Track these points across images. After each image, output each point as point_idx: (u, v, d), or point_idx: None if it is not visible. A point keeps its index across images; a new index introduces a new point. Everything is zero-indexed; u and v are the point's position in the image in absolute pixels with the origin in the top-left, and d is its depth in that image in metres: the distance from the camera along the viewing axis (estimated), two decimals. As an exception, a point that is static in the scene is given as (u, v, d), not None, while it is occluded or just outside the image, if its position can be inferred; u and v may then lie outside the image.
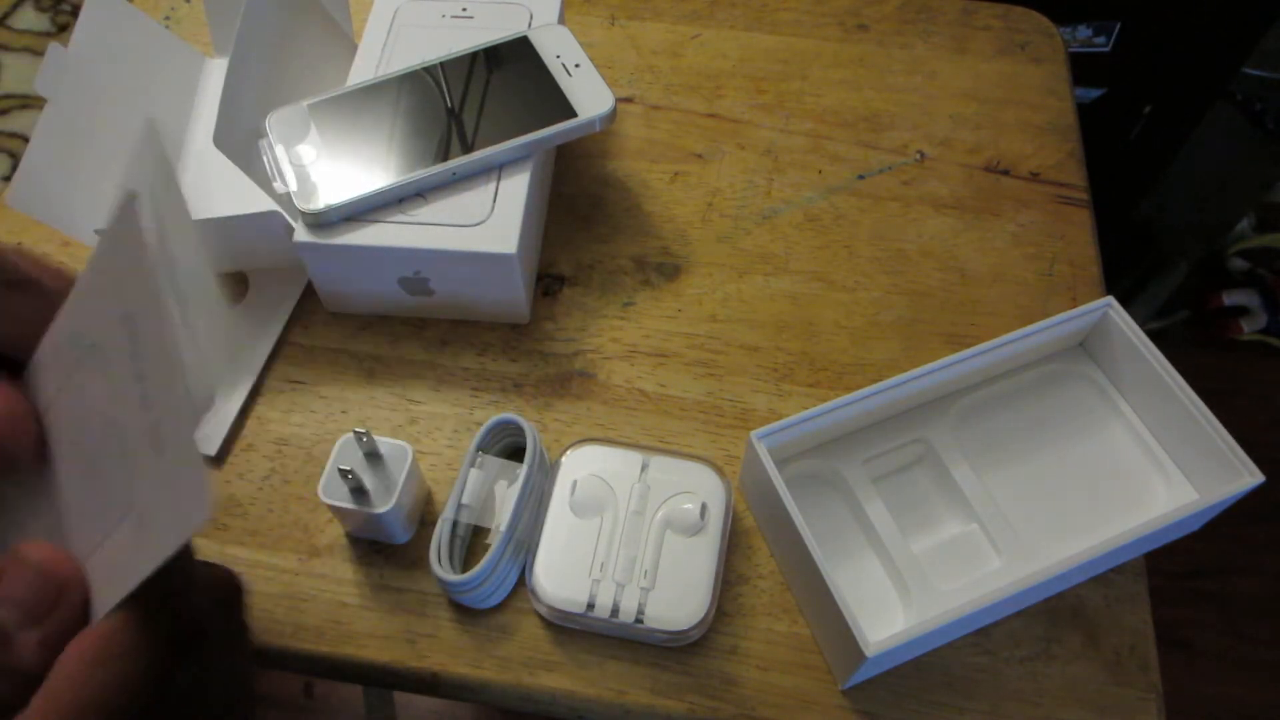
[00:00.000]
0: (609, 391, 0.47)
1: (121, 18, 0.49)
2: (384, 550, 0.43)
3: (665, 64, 0.59)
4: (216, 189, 0.49)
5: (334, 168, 0.45)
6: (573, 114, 0.47)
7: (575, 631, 0.41)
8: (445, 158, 0.45)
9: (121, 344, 0.22)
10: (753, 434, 0.40)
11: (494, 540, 0.40)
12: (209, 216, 0.45)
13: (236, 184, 0.45)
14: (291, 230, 0.45)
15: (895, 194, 0.54)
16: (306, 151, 0.45)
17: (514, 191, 0.45)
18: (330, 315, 0.50)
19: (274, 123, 0.46)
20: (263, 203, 0.45)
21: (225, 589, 0.25)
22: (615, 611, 0.39)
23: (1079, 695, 0.39)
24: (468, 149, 0.46)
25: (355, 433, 0.40)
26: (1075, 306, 0.44)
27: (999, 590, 0.37)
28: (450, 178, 0.45)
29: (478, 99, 0.48)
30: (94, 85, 0.46)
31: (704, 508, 0.41)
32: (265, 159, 0.46)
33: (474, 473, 0.42)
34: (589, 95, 0.48)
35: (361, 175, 0.45)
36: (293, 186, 0.44)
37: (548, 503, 0.42)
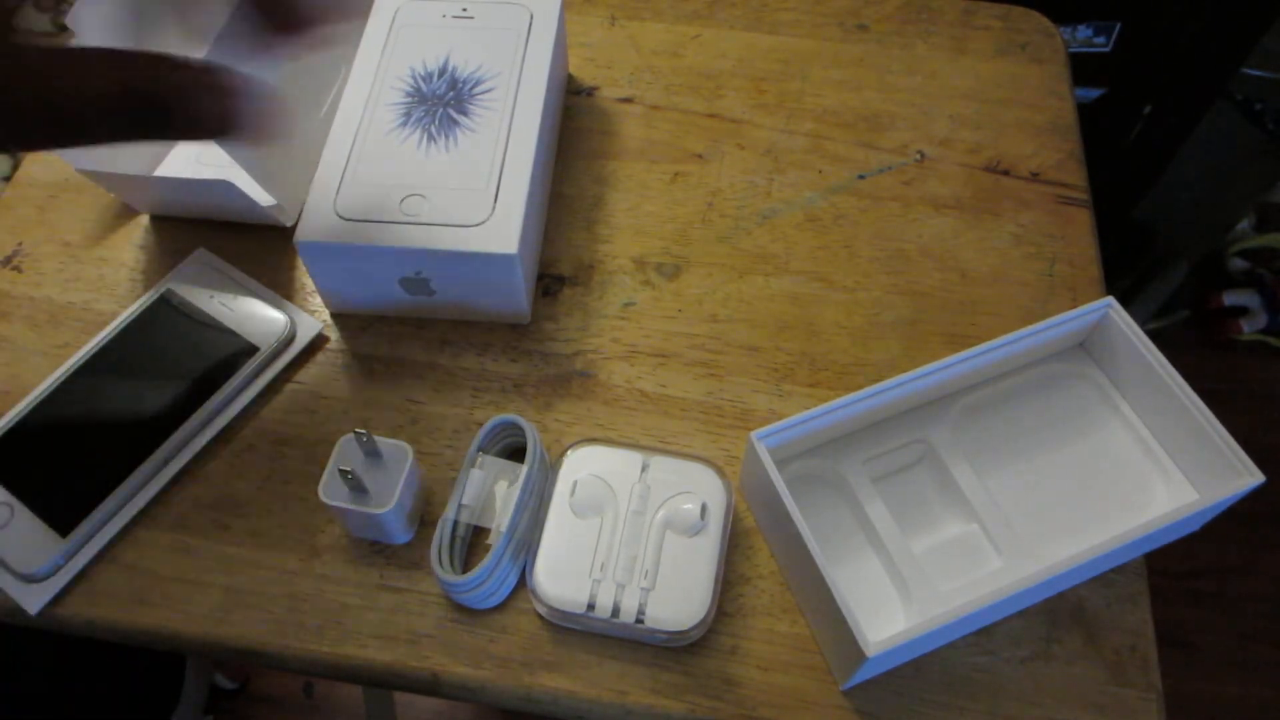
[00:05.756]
0: (609, 392, 0.47)
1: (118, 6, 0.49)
2: (384, 550, 0.43)
3: (665, 64, 0.59)
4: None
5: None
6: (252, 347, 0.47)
7: (575, 632, 0.41)
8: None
9: None
10: (753, 434, 0.40)
11: (494, 540, 0.40)
12: (164, 175, 0.48)
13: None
14: (243, 196, 0.46)
15: (895, 194, 0.54)
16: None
17: (515, 191, 0.45)
18: (330, 315, 0.50)
19: None
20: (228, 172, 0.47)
21: None
22: (616, 612, 0.39)
23: (1079, 695, 0.39)
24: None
25: (355, 433, 0.40)
26: (1075, 306, 0.44)
27: (999, 590, 0.37)
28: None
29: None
30: None
31: (704, 508, 0.41)
32: None
33: (474, 473, 0.42)
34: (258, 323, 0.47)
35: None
36: None
37: (548, 503, 0.42)
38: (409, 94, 0.49)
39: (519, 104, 0.48)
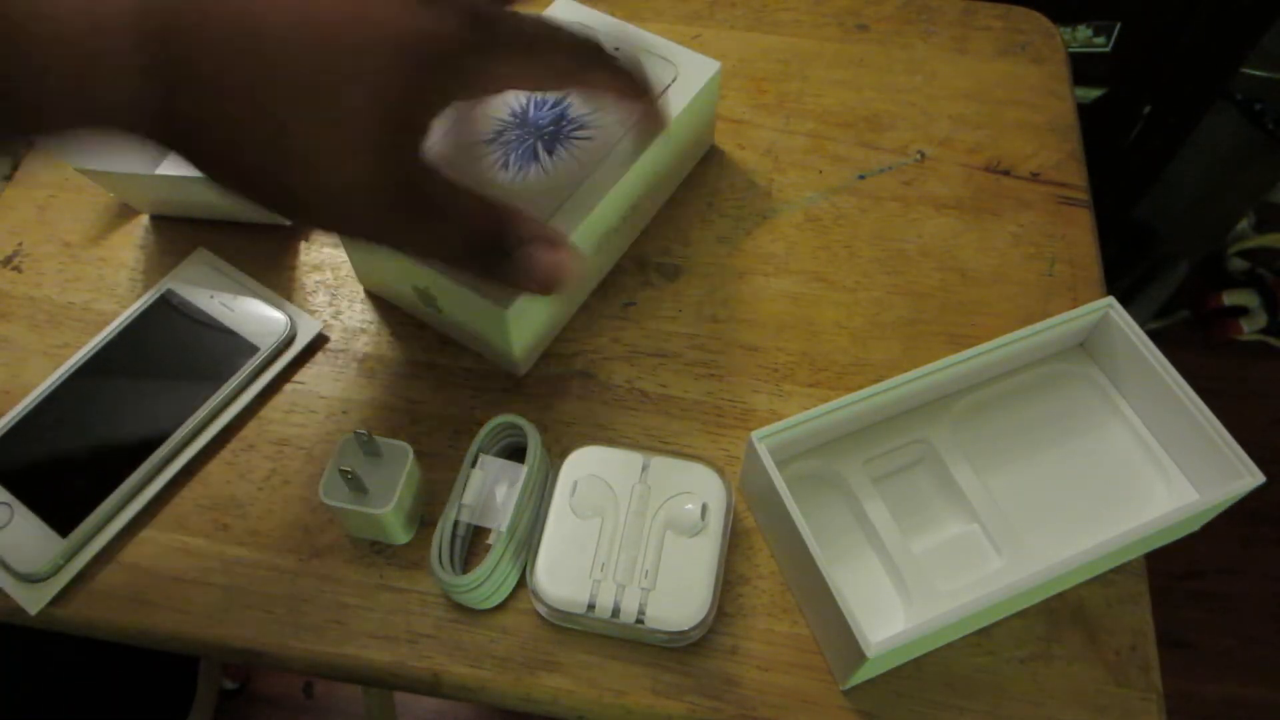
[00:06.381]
0: (609, 392, 0.47)
1: None
2: (384, 550, 0.43)
3: (665, 64, 0.59)
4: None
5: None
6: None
7: (576, 632, 0.41)
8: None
9: None
10: (753, 434, 0.40)
11: (494, 541, 0.40)
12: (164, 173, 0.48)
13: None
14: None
15: (895, 194, 0.54)
16: None
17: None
18: (331, 315, 0.50)
19: None
20: None
21: None
22: (616, 612, 0.39)
23: (1079, 695, 0.39)
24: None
25: (356, 433, 0.40)
26: (1075, 306, 0.44)
27: (999, 590, 0.37)
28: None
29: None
30: None
31: (704, 508, 0.41)
32: None
33: (474, 473, 0.42)
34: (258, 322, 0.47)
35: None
36: None
37: (548, 503, 0.42)
38: (515, 113, 0.46)
39: (608, 160, 0.44)
